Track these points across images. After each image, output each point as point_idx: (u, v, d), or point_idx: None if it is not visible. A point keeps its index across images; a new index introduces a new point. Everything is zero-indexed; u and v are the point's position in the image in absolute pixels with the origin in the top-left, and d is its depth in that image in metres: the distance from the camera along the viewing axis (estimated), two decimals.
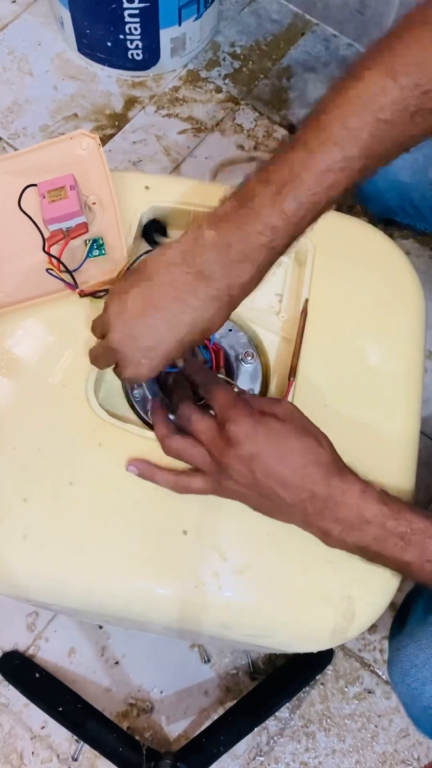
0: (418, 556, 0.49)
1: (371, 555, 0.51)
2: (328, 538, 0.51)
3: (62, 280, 0.60)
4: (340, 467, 0.52)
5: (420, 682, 0.58)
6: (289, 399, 0.60)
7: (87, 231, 0.63)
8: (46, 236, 0.61)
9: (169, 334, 0.51)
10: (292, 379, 0.60)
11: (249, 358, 0.64)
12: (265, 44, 1.36)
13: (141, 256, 0.64)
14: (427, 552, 0.49)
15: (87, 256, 0.62)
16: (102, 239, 0.63)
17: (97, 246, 0.63)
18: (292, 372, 0.61)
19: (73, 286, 0.60)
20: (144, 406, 0.62)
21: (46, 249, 0.61)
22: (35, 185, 0.62)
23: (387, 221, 0.88)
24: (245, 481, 0.51)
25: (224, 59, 1.34)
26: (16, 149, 1.23)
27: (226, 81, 1.32)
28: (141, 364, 0.52)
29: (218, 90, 1.31)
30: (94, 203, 0.64)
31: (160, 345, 0.52)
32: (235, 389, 0.57)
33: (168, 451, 0.55)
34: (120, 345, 0.53)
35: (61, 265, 0.60)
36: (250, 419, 0.51)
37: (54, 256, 0.60)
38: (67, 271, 0.61)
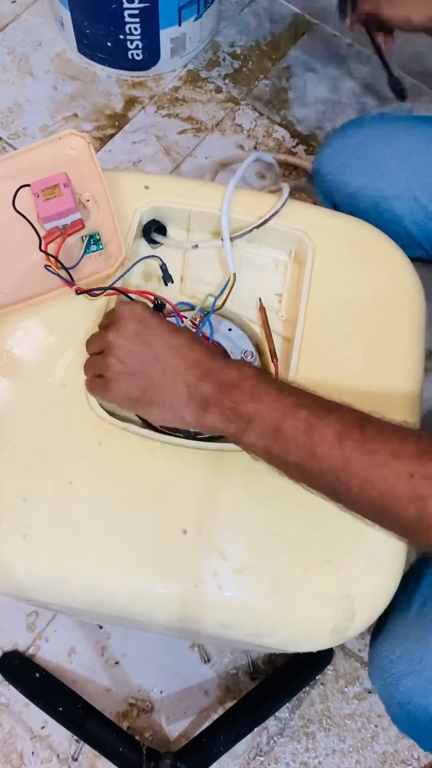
0: (291, 404, 0.49)
1: (246, 417, 0.50)
2: (206, 405, 0.52)
3: (60, 276, 0.60)
4: (216, 354, 0.55)
5: (395, 677, 0.58)
6: None
7: (83, 227, 0.63)
8: (42, 235, 0.61)
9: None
10: (275, 360, 0.63)
11: (249, 357, 0.64)
12: (265, 44, 1.36)
13: (143, 258, 0.64)
14: (300, 399, 0.50)
15: (84, 252, 0.62)
16: (98, 234, 0.63)
17: (94, 241, 0.63)
18: (273, 354, 0.63)
19: (71, 283, 0.60)
20: None
21: (43, 247, 0.61)
22: (28, 185, 0.62)
23: None
24: (127, 357, 0.53)
25: (224, 59, 1.34)
26: (15, 149, 1.23)
27: (226, 81, 1.32)
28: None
29: (218, 90, 1.31)
30: (89, 200, 0.65)
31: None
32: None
33: (86, 370, 0.58)
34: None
35: (58, 262, 0.61)
36: (132, 307, 0.55)
37: (51, 254, 0.60)
38: (64, 268, 0.61)
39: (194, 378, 0.52)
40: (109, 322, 0.56)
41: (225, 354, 0.64)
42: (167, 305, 0.62)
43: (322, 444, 0.47)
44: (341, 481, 0.47)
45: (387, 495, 0.45)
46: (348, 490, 0.47)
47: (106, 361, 0.54)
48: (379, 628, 0.63)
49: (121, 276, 0.62)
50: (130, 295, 0.61)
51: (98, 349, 0.56)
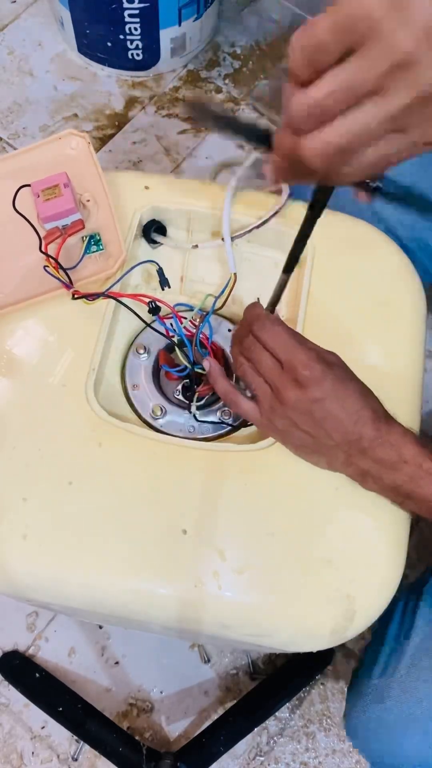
0: None
1: (403, 495, 0.53)
2: (365, 477, 0.54)
3: (58, 279, 0.60)
4: (386, 413, 0.54)
5: (361, 742, 0.63)
6: None
7: (83, 228, 0.63)
8: (42, 235, 0.61)
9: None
10: None
11: None
12: (265, 44, 1.36)
13: (139, 264, 0.64)
14: None
15: (84, 252, 0.62)
16: (99, 235, 0.63)
17: (94, 242, 0.63)
18: None
19: (69, 285, 0.60)
20: (143, 406, 0.62)
21: (43, 248, 0.61)
22: (29, 186, 0.62)
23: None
24: (300, 420, 0.53)
25: (224, 59, 1.34)
26: (15, 149, 1.23)
27: (226, 81, 1.32)
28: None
29: (218, 90, 1.31)
30: (89, 200, 0.65)
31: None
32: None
33: (237, 366, 0.56)
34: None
35: (57, 264, 0.60)
36: (319, 365, 0.52)
37: (50, 256, 0.60)
38: (63, 270, 0.61)
39: (356, 451, 0.53)
40: (297, 371, 0.52)
41: (225, 355, 0.64)
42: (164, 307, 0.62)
43: None
44: None
45: None
46: None
47: (278, 410, 0.54)
48: (354, 680, 0.67)
49: (118, 280, 0.62)
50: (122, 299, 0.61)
51: (269, 385, 0.54)
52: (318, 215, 0.45)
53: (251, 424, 0.61)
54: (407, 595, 0.67)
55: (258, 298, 0.66)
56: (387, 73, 0.30)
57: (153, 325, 0.63)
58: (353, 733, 0.64)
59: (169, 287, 0.66)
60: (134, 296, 0.61)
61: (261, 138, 0.39)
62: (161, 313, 0.62)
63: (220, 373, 0.58)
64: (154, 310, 0.61)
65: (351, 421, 0.53)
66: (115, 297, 0.61)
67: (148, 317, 0.62)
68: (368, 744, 0.63)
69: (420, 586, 0.67)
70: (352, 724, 0.64)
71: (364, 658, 0.66)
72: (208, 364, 0.58)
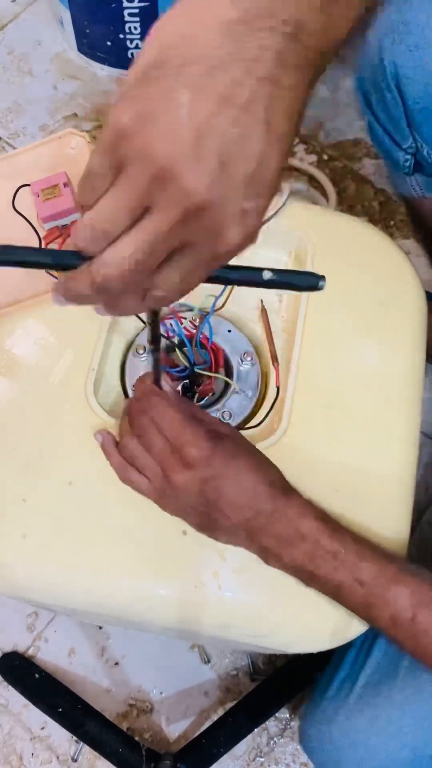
0: (348, 577, 0.49)
1: (306, 575, 0.51)
2: (266, 555, 0.52)
3: (58, 279, 0.60)
4: (284, 485, 0.53)
5: (309, 751, 0.65)
6: (289, 398, 0.60)
7: None
8: (42, 235, 0.61)
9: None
10: (276, 363, 0.62)
11: (248, 358, 0.64)
12: None
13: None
14: (358, 573, 0.49)
15: None
16: None
17: None
18: (274, 358, 0.63)
19: None
20: None
21: (42, 247, 0.61)
22: (28, 185, 0.62)
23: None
24: (193, 501, 0.51)
25: None
26: (15, 149, 1.23)
27: None
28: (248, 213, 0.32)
29: None
30: None
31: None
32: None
33: (122, 449, 0.54)
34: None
35: None
36: (207, 443, 0.50)
37: None
38: None
39: (254, 528, 0.51)
40: (183, 451, 0.50)
41: (225, 355, 0.64)
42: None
43: (377, 621, 0.50)
44: (398, 646, 0.51)
45: None
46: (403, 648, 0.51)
47: (170, 493, 0.52)
48: (314, 689, 0.69)
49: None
50: None
51: (149, 466, 0.52)
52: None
53: (251, 426, 0.61)
54: None
55: (261, 300, 0.66)
56: (149, 189, 0.29)
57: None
58: (303, 741, 0.66)
59: None
60: None
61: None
62: (161, 312, 0.62)
63: (112, 446, 0.55)
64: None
65: (246, 498, 0.51)
66: None
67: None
68: (315, 754, 0.64)
69: None
70: (303, 733, 0.66)
71: (325, 673, 0.68)
72: (101, 438, 0.56)
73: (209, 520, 0.52)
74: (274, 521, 0.50)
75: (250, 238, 0.33)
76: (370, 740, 0.59)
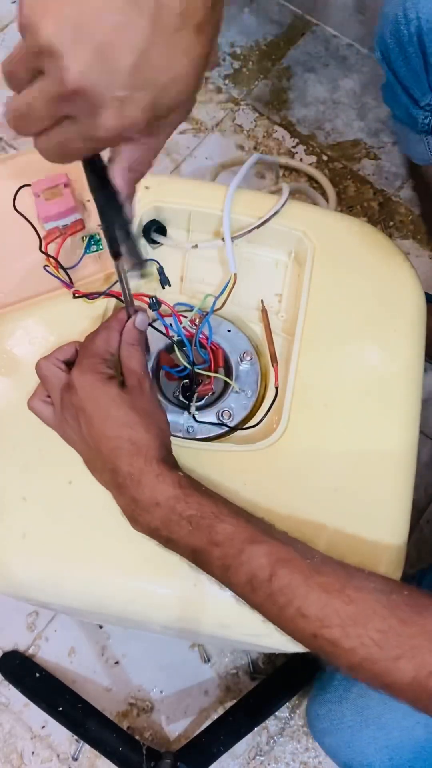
0: (204, 540, 0.48)
1: (163, 540, 0.50)
2: (127, 515, 0.51)
3: (58, 278, 0.60)
4: (154, 452, 0.51)
5: (320, 734, 0.63)
6: (288, 398, 0.60)
7: (84, 228, 0.63)
8: (42, 235, 0.62)
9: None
10: (275, 363, 0.62)
11: (248, 358, 0.64)
12: (265, 44, 1.36)
13: (145, 261, 0.64)
14: (213, 535, 0.48)
15: (85, 252, 0.63)
16: (99, 235, 0.63)
17: (94, 242, 0.63)
18: (273, 358, 0.62)
19: (69, 285, 0.60)
20: None
21: (43, 248, 0.61)
22: (29, 185, 0.62)
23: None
24: (75, 428, 0.52)
25: (224, 59, 1.34)
26: (16, 149, 1.23)
27: (226, 81, 1.32)
28: (126, 100, 0.35)
29: (218, 90, 1.31)
30: (89, 200, 0.65)
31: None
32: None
33: (37, 367, 0.56)
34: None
35: (57, 264, 0.61)
36: (95, 375, 0.51)
37: (50, 255, 0.60)
38: (63, 269, 0.61)
39: (113, 485, 0.51)
40: (68, 381, 0.53)
41: (224, 355, 0.64)
42: (164, 305, 0.62)
43: (236, 585, 0.48)
44: (257, 612, 0.49)
45: (300, 642, 0.47)
46: (262, 615, 0.48)
47: (61, 413, 0.54)
48: (321, 672, 0.67)
49: (117, 281, 0.62)
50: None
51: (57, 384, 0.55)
52: (96, 189, 0.44)
53: (250, 425, 0.61)
54: None
55: (262, 301, 0.66)
56: (37, 60, 0.33)
57: (153, 324, 0.63)
58: (311, 722, 0.65)
59: (170, 286, 0.66)
60: (134, 295, 0.61)
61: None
62: (160, 310, 0.62)
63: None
64: (155, 305, 0.62)
65: (107, 447, 0.51)
66: (115, 296, 0.61)
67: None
68: (326, 736, 0.63)
69: None
70: (312, 713, 0.64)
71: None
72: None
73: (91, 457, 0.53)
74: (131, 483, 0.50)
75: (128, 128, 0.35)
76: (382, 718, 0.58)
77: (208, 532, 0.48)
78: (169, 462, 0.52)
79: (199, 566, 0.50)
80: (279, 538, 0.48)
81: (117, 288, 0.62)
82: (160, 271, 0.65)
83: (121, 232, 0.45)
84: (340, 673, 0.46)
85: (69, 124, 0.36)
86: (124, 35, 0.32)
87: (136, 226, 0.66)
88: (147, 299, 0.61)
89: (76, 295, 0.60)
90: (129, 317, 0.56)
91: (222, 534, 0.48)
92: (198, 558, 0.49)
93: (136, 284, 0.67)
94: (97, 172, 0.42)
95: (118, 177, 0.41)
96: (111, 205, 0.43)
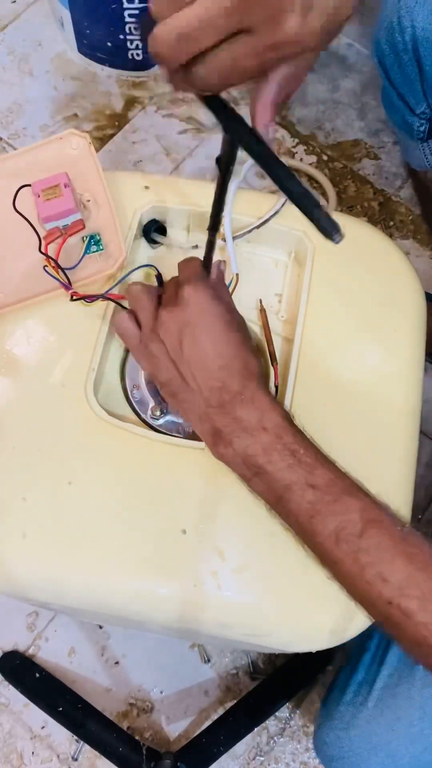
0: (301, 479, 0.46)
1: (254, 469, 0.48)
2: (217, 439, 0.49)
3: (57, 279, 0.60)
4: (261, 382, 0.50)
5: (328, 759, 0.63)
6: (288, 398, 0.60)
7: (84, 228, 0.63)
8: (42, 235, 0.61)
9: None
10: (275, 363, 0.62)
11: None
12: None
13: (138, 267, 0.64)
14: (312, 477, 0.46)
15: (85, 252, 0.62)
16: (99, 235, 0.63)
17: (94, 242, 0.63)
18: (273, 357, 0.62)
19: (68, 286, 0.60)
20: (143, 406, 0.62)
21: (43, 248, 0.61)
22: (29, 185, 0.62)
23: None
24: (169, 344, 0.50)
25: None
26: (15, 149, 1.23)
27: None
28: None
29: None
30: (89, 200, 0.65)
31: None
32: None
33: (129, 289, 0.56)
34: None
35: (57, 265, 0.60)
36: (208, 292, 0.49)
37: (50, 257, 0.60)
38: (62, 270, 0.61)
39: (215, 402, 0.49)
40: (173, 293, 0.51)
41: None
42: None
43: (320, 535, 0.46)
44: (330, 568, 0.47)
45: (367, 607, 0.45)
46: (335, 573, 0.47)
47: (153, 333, 0.52)
48: (327, 695, 0.66)
49: (117, 283, 0.62)
50: (122, 302, 0.61)
51: (151, 315, 0.53)
52: (227, 173, 0.43)
53: None
54: None
55: (260, 301, 0.66)
56: None
57: None
58: (319, 748, 0.64)
59: None
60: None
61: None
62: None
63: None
64: None
65: (217, 364, 0.49)
66: (112, 299, 0.61)
67: None
68: (334, 762, 0.63)
69: None
70: (319, 740, 0.64)
71: (340, 677, 0.66)
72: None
73: (177, 376, 0.50)
74: (239, 402, 0.48)
75: (308, 37, 0.34)
76: (391, 744, 0.57)
77: (308, 472, 0.46)
78: (270, 394, 0.51)
79: (280, 506, 0.47)
80: (372, 498, 0.47)
81: (116, 290, 0.62)
82: (158, 278, 0.65)
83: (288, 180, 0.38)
84: (399, 645, 0.45)
85: (244, 38, 0.33)
86: None
87: (135, 228, 0.66)
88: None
89: (74, 297, 0.60)
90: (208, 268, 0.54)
91: (321, 478, 0.46)
92: (285, 496, 0.47)
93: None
94: (227, 110, 0.39)
95: (269, 94, 0.38)
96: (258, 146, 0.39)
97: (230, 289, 0.64)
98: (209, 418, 0.49)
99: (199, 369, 0.49)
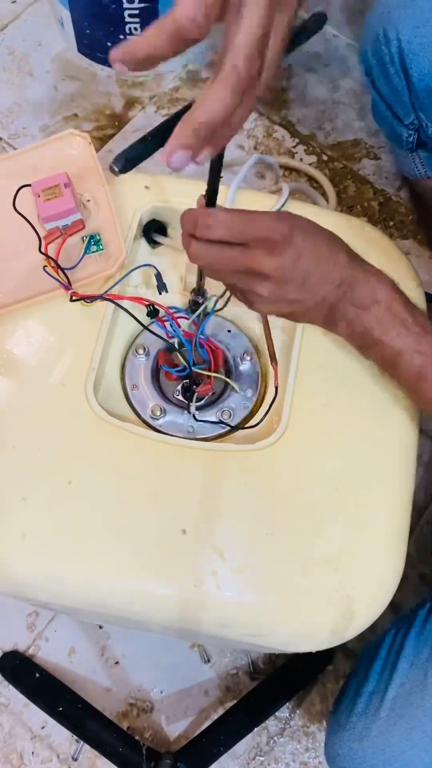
0: (410, 346, 0.52)
1: (369, 341, 0.53)
2: (332, 318, 0.53)
3: (57, 280, 0.60)
4: (358, 256, 0.54)
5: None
6: (288, 397, 0.60)
7: (83, 228, 0.63)
8: (42, 235, 0.62)
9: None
10: (275, 363, 0.61)
11: (248, 357, 0.64)
12: None
13: (138, 267, 0.64)
14: (420, 344, 0.52)
15: (84, 252, 0.63)
16: (99, 235, 0.63)
17: (94, 242, 0.63)
18: (273, 357, 0.61)
19: (67, 287, 0.60)
20: (143, 406, 0.62)
21: (43, 248, 0.61)
22: (29, 185, 0.62)
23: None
24: (285, 291, 0.50)
25: None
26: (15, 149, 1.23)
27: None
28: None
29: None
30: (89, 200, 0.65)
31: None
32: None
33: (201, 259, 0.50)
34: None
35: (56, 265, 0.60)
36: (282, 224, 0.49)
37: (50, 257, 0.60)
38: (62, 270, 0.61)
39: (337, 297, 0.52)
40: (266, 240, 0.48)
41: (224, 355, 0.64)
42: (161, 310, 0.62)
43: (428, 392, 0.53)
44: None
45: None
46: None
47: (262, 292, 0.50)
48: (337, 704, 0.66)
49: (117, 282, 0.62)
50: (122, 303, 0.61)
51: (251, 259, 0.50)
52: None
53: (250, 425, 0.61)
54: (396, 627, 0.66)
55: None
56: None
57: (152, 326, 0.63)
58: (331, 760, 0.64)
59: (167, 292, 0.66)
60: (133, 299, 0.62)
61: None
62: (160, 315, 0.62)
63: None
64: (153, 312, 0.62)
65: (329, 269, 0.51)
66: (111, 300, 0.61)
67: (147, 319, 0.63)
68: None
69: (408, 621, 0.66)
70: (331, 751, 0.63)
71: (350, 686, 0.65)
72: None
73: (300, 305, 0.52)
74: (354, 287, 0.52)
75: None
76: (405, 754, 0.57)
77: (416, 339, 0.52)
78: (367, 262, 0.54)
79: (391, 370, 0.55)
80: None
81: (116, 290, 0.62)
82: (158, 277, 0.65)
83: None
84: None
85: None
86: None
87: (135, 228, 0.66)
88: (145, 303, 0.61)
89: (74, 297, 0.60)
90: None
91: (427, 345, 0.52)
92: (396, 361, 0.53)
93: (136, 284, 0.67)
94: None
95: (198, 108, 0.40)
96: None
97: (229, 292, 0.64)
98: (332, 312, 0.53)
99: (317, 285, 0.51)
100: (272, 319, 0.66)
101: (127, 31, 1.20)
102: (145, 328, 0.63)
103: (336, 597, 0.54)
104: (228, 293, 0.64)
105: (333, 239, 0.53)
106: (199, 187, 0.68)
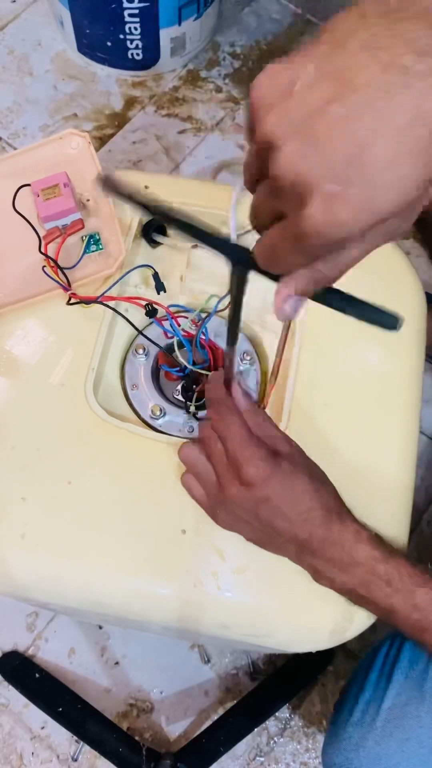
0: (402, 603, 0.49)
1: (357, 598, 0.51)
2: (317, 575, 0.51)
3: (56, 281, 0.60)
4: (339, 507, 0.51)
5: None
6: (288, 398, 0.60)
7: (83, 227, 0.63)
8: (42, 235, 0.61)
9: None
10: (272, 383, 0.59)
11: (248, 358, 0.64)
12: (265, 44, 1.35)
13: (136, 268, 0.64)
14: (412, 598, 0.49)
15: (84, 252, 0.62)
16: (98, 234, 0.63)
17: (93, 241, 0.63)
18: (274, 376, 0.60)
19: (67, 288, 0.60)
20: (143, 406, 0.62)
21: (42, 248, 0.61)
22: (28, 185, 0.62)
23: None
24: (246, 517, 0.51)
25: (224, 59, 1.34)
26: (15, 149, 1.23)
27: (226, 81, 1.32)
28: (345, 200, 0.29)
29: (218, 90, 1.31)
30: (89, 200, 0.65)
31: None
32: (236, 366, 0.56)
33: (182, 451, 0.54)
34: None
35: (56, 266, 0.60)
36: (265, 463, 0.49)
37: (49, 257, 0.60)
38: (62, 271, 0.60)
39: (306, 550, 0.50)
40: (241, 469, 0.48)
41: (219, 358, 0.64)
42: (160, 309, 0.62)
43: (430, 645, 0.50)
44: None
45: None
46: None
47: (222, 503, 0.51)
48: (335, 713, 0.66)
49: (115, 283, 0.62)
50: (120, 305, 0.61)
51: (210, 478, 0.52)
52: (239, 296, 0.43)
53: None
54: (391, 638, 0.66)
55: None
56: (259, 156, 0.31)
57: (151, 326, 0.63)
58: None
59: (165, 291, 0.65)
60: (130, 299, 0.62)
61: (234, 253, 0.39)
62: (159, 315, 0.62)
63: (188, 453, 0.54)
64: (151, 312, 0.62)
65: (299, 520, 0.49)
66: (106, 304, 0.60)
67: (146, 319, 0.63)
68: None
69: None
70: (328, 760, 0.63)
71: (347, 695, 0.66)
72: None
73: (261, 535, 0.52)
74: (328, 545, 0.49)
75: (336, 228, 0.29)
76: (400, 765, 0.57)
77: (409, 596, 0.49)
78: (351, 514, 0.52)
79: (389, 622, 0.51)
80: None
81: (115, 290, 0.62)
82: (155, 277, 0.65)
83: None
84: None
85: (280, 224, 0.31)
86: (345, 125, 0.28)
87: (135, 228, 0.66)
88: (143, 304, 0.61)
89: (72, 300, 0.60)
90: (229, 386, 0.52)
91: (422, 599, 0.49)
92: (392, 616, 0.50)
93: (136, 284, 0.67)
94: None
95: (284, 286, 0.37)
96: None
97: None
98: (305, 561, 0.51)
99: (282, 530, 0.50)
100: (272, 320, 0.66)
101: (127, 31, 1.20)
102: (140, 333, 0.63)
103: (336, 597, 0.54)
104: (228, 294, 0.64)
105: (315, 490, 0.50)
106: (199, 186, 0.69)
